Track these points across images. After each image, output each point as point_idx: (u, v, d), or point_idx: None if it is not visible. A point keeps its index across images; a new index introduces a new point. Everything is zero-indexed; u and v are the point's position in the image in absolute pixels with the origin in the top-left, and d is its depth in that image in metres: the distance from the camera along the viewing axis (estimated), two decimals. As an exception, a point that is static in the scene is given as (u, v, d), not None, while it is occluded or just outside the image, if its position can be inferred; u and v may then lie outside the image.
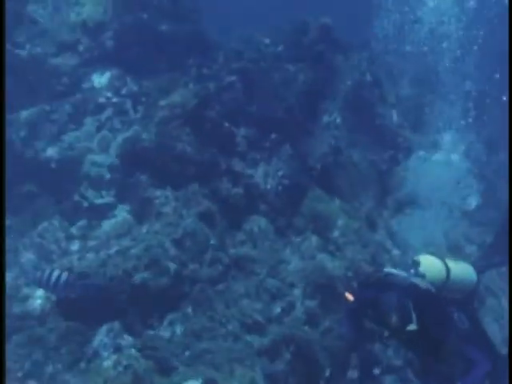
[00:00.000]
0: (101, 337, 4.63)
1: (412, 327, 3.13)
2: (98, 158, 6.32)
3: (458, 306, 3.60)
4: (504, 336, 4.55)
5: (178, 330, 4.75)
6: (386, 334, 3.25)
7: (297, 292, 5.18)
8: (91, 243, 5.63)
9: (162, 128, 6.16)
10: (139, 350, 4.40)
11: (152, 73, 7.14)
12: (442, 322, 3.36)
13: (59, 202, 6.14)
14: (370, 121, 7.39)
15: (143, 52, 7.26)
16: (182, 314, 4.87)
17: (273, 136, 6.54)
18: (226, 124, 6.33)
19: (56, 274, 4.49)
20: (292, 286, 5.25)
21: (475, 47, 5.21)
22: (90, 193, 6.06)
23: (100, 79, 6.90)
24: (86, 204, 5.96)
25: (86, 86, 6.87)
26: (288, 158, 6.38)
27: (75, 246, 5.70)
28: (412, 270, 3.47)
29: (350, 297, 3.50)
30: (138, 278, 4.91)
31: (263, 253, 5.53)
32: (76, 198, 6.01)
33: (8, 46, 6.47)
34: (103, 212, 5.94)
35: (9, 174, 5.10)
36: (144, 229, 5.52)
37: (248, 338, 4.72)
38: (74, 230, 5.80)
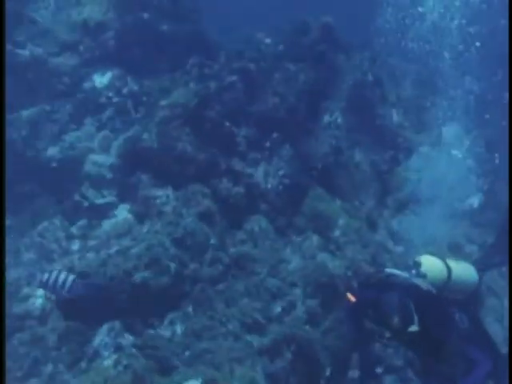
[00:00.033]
0: (101, 336, 4.63)
1: (414, 328, 3.12)
2: (99, 157, 6.34)
3: (459, 307, 3.60)
4: (505, 336, 4.54)
5: (179, 329, 4.74)
6: (388, 335, 3.25)
7: (297, 291, 5.17)
8: (92, 243, 5.64)
9: (162, 128, 6.16)
10: (140, 350, 4.40)
11: (153, 73, 7.15)
12: (443, 322, 3.35)
13: (60, 202, 6.14)
14: (370, 121, 7.39)
15: (144, 52, 7.28)
16: (182, 313, 4.86)
17: (273, 136, 6.54)
18: (227, 124, 6.33)
19: (62, 276, 4.49)
20: (293, 285, 5.25)
21: (477, 43, 5.21)
22: (90, 192, 6.07)
23: (101, 79, 6.91)
24: (86, 204, 5.97)
25: (86, 85, 6.89)
26: (289, 157, 6.38)
27: (76, 245, 5.71)
28: (413, 271, 3.47)
29: (351, 297, 3.50)
30: (138, 277, 4.91)
31: (264, 252, 5.52)
32: (76, 197, 6.02)
33: (9, 46, 6.48)
34: (104, 212, 5.95)
35: (10, 174, 5.11)
36: (144, 228, 5.52)
37: (248, 337, 4.71)
38: (74, 230, 5.81)
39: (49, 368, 4.51)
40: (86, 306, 4.76)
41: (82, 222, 5.86)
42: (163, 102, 6.31)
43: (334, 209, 5.98)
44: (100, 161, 6.27)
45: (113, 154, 6.39)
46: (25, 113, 6.51)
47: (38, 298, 5.09)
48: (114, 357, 4.16)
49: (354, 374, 3.93)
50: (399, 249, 5.91)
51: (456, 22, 5.28)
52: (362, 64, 7.49)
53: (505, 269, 4.20)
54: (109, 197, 6.06)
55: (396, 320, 3.17)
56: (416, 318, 3.16)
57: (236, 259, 5.41)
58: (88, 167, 6.20)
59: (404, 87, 8.23)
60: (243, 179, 6.03)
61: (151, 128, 6.20)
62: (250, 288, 5.18)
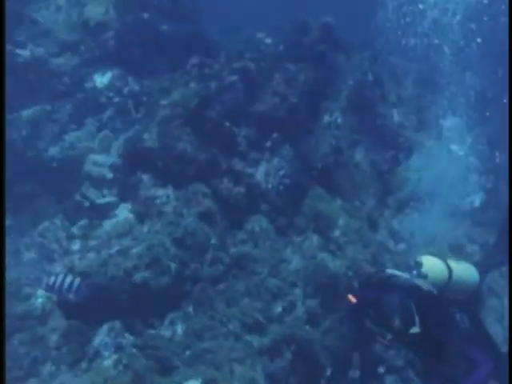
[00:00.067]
0: (102, 336, 4.63)
1: (415, 330, 3.12)
2: (100, 157, 6.34)
3: (459, 307, 3.59)
4: (506, 336, 4.53)
5: (179, 329, 4.74)
6: (389, 336, 3.24)
7: (298, 291, 5.17)
8: (92, 243, 5.64)
9: (163, 128, 6.15)
10: (140, 350, 4.40)
11: (153, 73, 7.15)
12: (444, 323, 3.35)
13: (60, 202, 6.15)
14: (371, 120, 7.38)
15: (144, 52, 7.28)
16: (182, 313, 4.86)
17: (274, 136, 6.54)
18: (227, 123, 6.33)
19: (68, 279, 4.48)
20: (293, 285, 5.25)
21: (479, 39, 5.20)
22: (91, 192, 6.07)
23: (101, 79, 6.92)
24: (87, 203, 5.97)
25: (87, 85, 6.89)
26: (289, 157, 6.38)
27: (76, 245, 5.71)
28: (414, 271, 3.46)
29: (352, 298, 3.49)
30: (138, 277, 4.91)
31: (264, 252, 5.52)
32: (77, 197, 6.02)
33: (9, 46, 6.49)
34: (104, 211, 5.95)
35: (10, 174, 5.11)
36: (145, 228, 5.52)
37: (249, 337, 4.71)
38: (75, 230, 5.81)
39: (49, 368, 4.51)
40: (86, 305, 4.75)
41: (83, 222, 5.87)
42: (164, 102, 6.31)
43: (335, 209, 5.97)
44: (100, 161, 6.28)
45: (113, 153, 6.40)
46: (25, 113, 6.52)
47: (39, 298, 5.09)
48: (115, 357, 4.16)
49: (355, 373, 3.93)
50: (400, 248, 5.91)
51: (457, 18, 5.28)
52: (362, 64, 7.49)
53: (505, 269, 4.19)
54: (109, 197, 6.07)
55: (397, 321, 3.17)
56: (417, 320, 3.15)
57: (236, 259, 5.41)
58: (88, 167, 6.21)
59: (405, 86, 8.22)
60: (244, 179, 6.03)
61: (152, 128, 6.19)
62: (251, 288, 5.17)
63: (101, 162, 6.26)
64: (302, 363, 4.56)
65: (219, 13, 11.18)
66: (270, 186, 6.12)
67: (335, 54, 7.44)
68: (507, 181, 5.96)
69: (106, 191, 6.09)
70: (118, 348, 4.48)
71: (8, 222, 5.66)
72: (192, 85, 6.50)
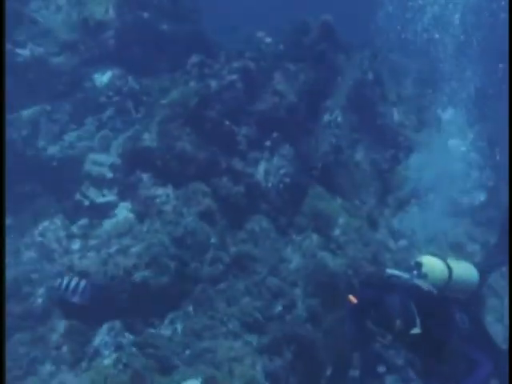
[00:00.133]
0: (102, 336, 4.64)
1: (416, 331, 3.12)
2: (99, 157, 6.33)
3: (460, 307, 3.59)
4: (506, 336, 4.53)
5: (179, 328, 4.74)
6: (390, 338, 3.24)
7: (298, 290, 5.17)
8: (92, 242, 5.63)
9: (162, 127, 6.15)
10: (140, 349, 4.40)
11: (153, 72, 7.15)
12: (445, 323, 3.34)
13: (60, 201, 6.14)
14: (371, 120, 7.38)
15: (144, 51, 7.27)
16: (182, 312, 4.86)
17: (274, 135, 6.53)
18: (227, 123, 6.33)
19: (74, 282, 4.49)
20: (293, 284, 5.24)
21: (478, 35, 5.19)
22: (91, 192, 6.06)
23: (101, 78, 6.91)
24: (87, 203, 5.96)
25: (87, 85, 6.88)
26: (289, 156, 6.37)
27: (76, 244, 5.70)
28: (414, 272, 3.46)
29: (352, 299, 3.49)
30: (138, 276, 4.91)
31: (264, 251, 5.52)
32: (77, 196, 6.02)
33: (9, 46, 6.48)
34: (104, 211, 5.94)
35: (10, 173, 5.10)
36: (145, 227, 5.51)
37: (249, 336, 4.71)
38: (75, 229, 5.80)
39: (49, 367, 4.51)
40: (86, 305, 4.75)
41: (83, 222, 5.86)
42: (163, 102, 6.31)
43: (335, 208, 5.97)
44: (100, 160, 6.27)
45: (113, 153, 6.39)
46: (25, 112, 6.51)
47: (39, 298, 5.09)
48: (114, 356, 4.17)
49: (355, 373, 3.92)
50: (400, 247, 5.90)
51: (457, 14, 5.27)
52: (362, 63, 7.48)
53: (505, 269, 4.19)
54: (109, 196, 6.06)
55: (398, 322, 3.17)
56: (418, 321, 3.15)
57: (236, 258, 5.41)
58: (88, 167, 6.20)
59: (405, 85, 8.21)
60: (244, 178, 6.03)
61: (151, 127, 6.19)
62: (251, 287, 5.17)
63: (101, 162, 6.25)
64: (302, 362, 4.56)
65: (219, 13, 11.17)
66: (269, 185, 6.12)
67: (335, 53, 7.44)
68: (507, 180, 5.96)
69: (105, 190, 6.08)
70: (118, 347, 4.49)
71: (8, 221, 5.66)
72: (192, 84, 6.50)
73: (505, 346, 3.61)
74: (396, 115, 7.57)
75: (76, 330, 4.70)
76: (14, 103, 6.17)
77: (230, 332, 4.72)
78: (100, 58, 7.04)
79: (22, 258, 5.59)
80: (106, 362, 4.14)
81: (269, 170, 6.25)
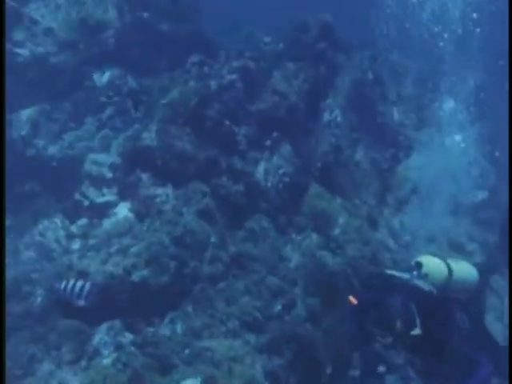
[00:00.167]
0: (101, 335, 4.63)
1: (416, 332, 3.12)
2: (99, 156, 6.34)
3: (460, 307, 3.59)
4: (506, 335, 4.51)
5: (179, 328, 4.73)
6: (390, 338, 3.25)
7: (297, 290, 5.16)
8: (92, 242, 5.63)
9: (162, 127, 6.15)
10: (139, 348, 4.39)
11: (153, 71, 7.15)
12: (445, 323, 3.34)
13: (60, 201, 6.15)
14: (371, 119, 7.37)
15: (144, 51, 7.28)
16: (182, 312, 4.85)
17: (273, 134, 6.53)
18: (227, 122, 6.33)
19: (79, 285, 4.48)
20: (293, 283, 5.23)
21: (478, 30, 5.18)
22: (90, 191, 6.06)
23: (101, 78, 6.91)
24: (86, 203, 5.97)
25: (87, 84, 6.88)
26: (289, 156, 6.38)
27: (76, 244, 5.71)
28: (414, 272, 3.47)
29: (353, 300, 3.49)
30: (138, 276, 4.91)
31: (264, 251, 5.52)
32: (77, 196, 6.02)
33: (9, 45, 6.49)
34: (104, 210, 5.94)
35: (10, 173, 5.10)
36: (144, 227, 5.51)
37: (248, 335, 4.70)
38: (74, 229, 5.80)
39: (48, 367, 4.51)
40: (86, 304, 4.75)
41: (83, 221, 5.87)
42: (163, 101, 6.31)
43: (335, 207, 5.96)
44: (100, 160, 6.28)
45: (113, 153, 6.40)
46: (25, 112, 6.52)
47: (38, 297, 5.09)
48: (114, 355, 4.16)
49: (355, 372, 3.92)
50: (400, 246, 5.89)
51: (457, 10, 5.26)
52: (362, 62, 7.47)
53: (505, 269, 4.18)
54: (109, 196, 6.06)
55: (398, 324, 3.17)
56: (418, 322, 3.15)
57: (236, 258, 5.40)
58: (88, 166, 6.21)
59: (405, 85, 8.20)
60: (243, 178, 6.03)
61: (151, 127, 6.19)
62: (250, 286, 5.17)
63: (100, 161, 6.26)
64: (302, 361, 4.55)
65: (219, 13, 11.18)
66: (269, 184, 6.12)
67: (335, 52, 7.44)
68: (507, 181, 5.95)
69: (105, 190, 6.09)
70: (118, 347, 4.48)
71: (8, 221, 5.66)
72: (191, 84, 6.50)
73: (505, 346, 3.61)
74: (396, 114, 7.56)
75: (75, 329, 4.69)
76: (13, 103, 6.17)
77: (230, 331, 4.71)
78: (100, 58, 7.04)
79: (22, 257, 5.60)
80: (106, 361, 4.14)
81: (268, 169, 6.25)
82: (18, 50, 6.70)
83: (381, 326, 3.26)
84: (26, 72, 6.71)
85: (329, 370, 4.58)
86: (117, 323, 4.70)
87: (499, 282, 5.38)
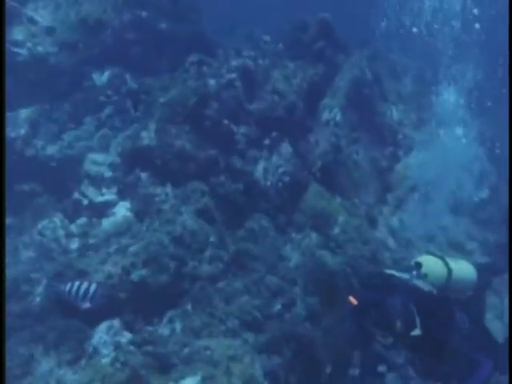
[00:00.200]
0: (100, 334, 4.63)
1: (416, 332, 3.12)
2: (98, 156, 6.33)
3: (460, 307, 3.59)
4: (506, 334, 4.51)
5: (178, 327, 4.73)
6: (390, 339, 3.25)
7: (297, 289, 5.16)
8: (91, 241, 5.63)
9: (161, 126, 6.15)
10: (138, 347, 4.39)
11: (152, 71, 7.15)
12: (445, 323, 3.34)
13: (59, 200, 6.14)
14: (370, 118, 7.37)
15: (143, 50, 7.28)
16: (181, 311, 4.85)
17: (273, 134, 6.53)
18: (226, 121, 6.32)
19: (84, 287, 4.45)
20: (292, 282, 5.23)
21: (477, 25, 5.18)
22: (90, 191, 6.06)
23: (100, 77, 6.91)
24: (86, 202, 5.96)
25: (86, 84, 6.88)
26: (288, 155, 6.37)
27: (75, 244, 5.70)
28: (414, 272, 3.47)
29: (353, 300, 3.49)
30: (137, 275, 4.90)
31: (263, 250, 5.51)
32: (76, 196, 6.02)
33: (8, 45, 6.48)
34: (103, 210, 5.94)
35: (9, 173, 5.10)
36: (144, 226, 5.51)
37: (248, 334, 4.70)
38: (73, 228, 5.80)
39: (48, 366, 4.51)
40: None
41: (82, 221, 5.86)
42: (162, 100, 6.30)
43: (334, 206, 5.96)
44: (99, 159, 6.27)
45: (112, 152, 6.39)
46: (24, 112, 6.52)
47: (37, 297, 5.09)
48: (113, 354, 4.16)
49: (355, 371, 3.92)
50: (400, 245, 5.89)
51: (458, 5, 5.26)
52: (361, 61, 7.47)
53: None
54: (108, 195, 6.06)
55: (398, 324, 3.17)
56: (418, 322, 3.15)
57: (235, 257, 5.40)
58: (87, 166, 6.20)
59: (404, 84, 8.19)
60: (242, 177, 6.02)
61: (150, 126, 6.19)
62: (250, 286, 5.16)
63: (100, 161, 6.25)
64: (301, 361, 4.54)
65: (219, 13, 11.18)
66: (268, 183, 6.12)
67: (334, 51, 7.43)
68: (507, 181, 5.94)
69: (104, 190, 6.08)
70: (117, 346, 4.48)
71: (7, 220, 5.65)
72: (190, 83, 6.49)
73: (505, 345, 3.60)
74: (395, 113, 7.56)
75: (74, 328, 4.69)
76: (13, 103, 6.17)
77: (229, 330, 4.70)
78: (99, 57, 7.04)
79: (21, 256, 5.58)
80: (105, 360, 4.13)
81: (268, 168, 6.25)
82: (17, 50, 6.70)
83: (381, 326, 3.26)
84: (24, 72, 6.71)
85: (328, 370, 4.58)
86: (116, 322, 4.69)
87: (499, 280, 5.37)
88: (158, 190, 5.77)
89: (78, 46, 6.98)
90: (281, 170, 6.18)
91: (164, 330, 4.71)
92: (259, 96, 6.78)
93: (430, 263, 3.57)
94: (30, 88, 6.72)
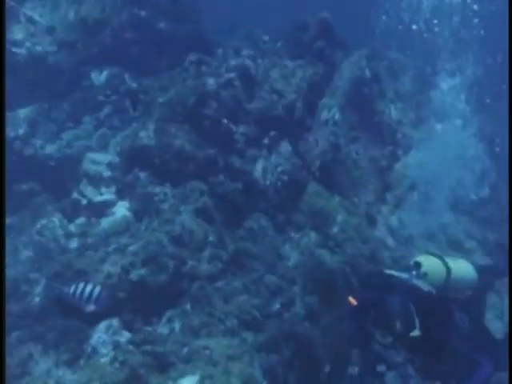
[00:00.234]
0: (99, 334, 4.63)
1: (415, 333, 3.12)
2: (97, 155, 6.34)
3: (460, 307, 3.58)
4: (506, 333, 4.50)
5: (177, 326, 4.73)
6: (390, 339, 3.25)
7: (296, 288, 5.15)
8: (90, 240, 5.62)
9: (160, 125, 6.15)
10: (137, 347, 4.38)
11: (151, 70, 7.16)
12: (444, 323, 3.34)
13: (58, 200, 6.14)
14: (369, 117, 7.36)
15: (142, 50, 7.28)
16: (180, 310, 4.85)
17: (272, 133, 6.52)
18: (225, 121, 6.32)
19: (88, 288, 4.43)
20: (291, 282, 5.23)
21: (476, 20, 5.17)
22: (88, 190, 6.06)
23: (99, 77, 6.91)
24: (84, 202, 5.96)
25: (84, 83, 6.89)
26: (287, 154, 6.37)
27: (74, 243, 5.70)
28: (413, 272, 3.46)
29: (352, 300, 3.49)
30: (136, 274, 4.90)
31: (262, 249, 5.51)
32: (75, 195, 6.02)
33: (7, 45, 6.48)
34: (102, 209, 5.94)
35: (8, 172, 5.10)
36: (143, 226, 5.51)
37: (247, 334, 4.70)
38: (72, 228, 5.80)
39: (47, 366, 4.51)
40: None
41: (81, 220, 5.86)
42: (161, 100, 6.30)
43: (333, 205, 5.94)
44: (98, 159, 6.28)
45: (111, 151, 6.40)
46: (23, 111, 6.53)
47: (36, 297, 5.09)
48: (112, 354, 4.16)
49: (354, 370, 3.91)
50: (398, 245, 5.88)
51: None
52: (360, 60, 7.46)
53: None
54: (107, 194, 6.06)
55: (398, 324, 3.17)
56: (417, 322, 3.15)
57: (234, 256, 5.39)
58: (86, 165, 6.20)
59: (403, 82, 8.18)
60: (241, 176, 6.02)
61: (149, 126, 6.19)
62: (249, 285, 5.16)
63: (98, 160, 6.26)
64: (300, 360, 4.54)
65: (219, 13, 11.18)
66: (267, 182, 6.12)
67: (333, 50, 7.43)
68: (507, 181, 5.93)
69: (103, 189, 6.08)
70: (116, 345, 4.48)
71: (6, 220, 5.66)
72: (189, 82, 6.49)
73: (505, 341, 3.60)
74: (394, 112, 7.55)
75: (73, 328, 4.69)
76: (12, 102, 6.17)
77: (228, 330, 4.70)
78: (98, 57, 7.04)
79: (20, 256, 5.59)
80: (104, 360, 4.13)
81: (267, 167, 6.24)
82: (16, 50, 6.70)
83: (380, 326, 3.26)
84: (24, 71, 6.72)
85: (327, 369, 4.57)
86: (115, 322, 4.69)
87: (500, 283, 5.36)
88: (157, 190, 5.77)
89: (76, 45, 6.99)
90: (280, 169, 6.18)
91: (163, 330, 4.71)
92: (258, 95, 6.78)
93: (430, 263, 3.57)
94: (29, 87, 6.73)
